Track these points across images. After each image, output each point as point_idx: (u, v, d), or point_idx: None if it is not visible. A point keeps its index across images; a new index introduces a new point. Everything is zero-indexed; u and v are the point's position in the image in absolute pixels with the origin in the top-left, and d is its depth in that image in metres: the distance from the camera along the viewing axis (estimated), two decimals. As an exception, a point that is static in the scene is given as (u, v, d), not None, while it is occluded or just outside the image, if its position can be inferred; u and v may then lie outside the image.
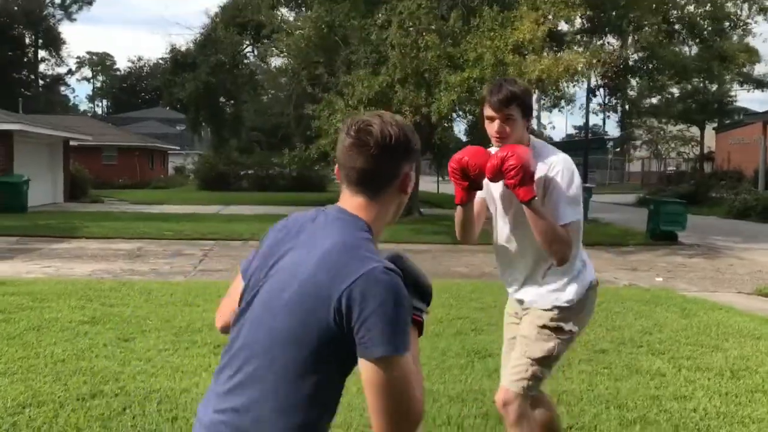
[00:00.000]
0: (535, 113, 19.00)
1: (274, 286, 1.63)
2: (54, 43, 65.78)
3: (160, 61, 42.65)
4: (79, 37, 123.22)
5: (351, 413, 4.01)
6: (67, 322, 6.31)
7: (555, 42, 15.21)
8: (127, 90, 68.29)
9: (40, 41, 64.79)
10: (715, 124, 42.45)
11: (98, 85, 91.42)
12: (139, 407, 4.21)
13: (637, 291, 9.45)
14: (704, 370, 5.43)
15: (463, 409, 4.40)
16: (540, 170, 2.72)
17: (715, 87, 37.42)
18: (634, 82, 19.99)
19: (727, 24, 18.82)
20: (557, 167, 2.75)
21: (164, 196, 29.98)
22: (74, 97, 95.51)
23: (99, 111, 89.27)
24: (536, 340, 2.84)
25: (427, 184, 34.15)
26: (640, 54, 18.37)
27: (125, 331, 6.09)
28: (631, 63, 18.80)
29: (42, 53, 66.26)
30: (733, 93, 42.04)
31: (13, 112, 38.01)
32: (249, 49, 25.43)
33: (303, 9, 21.35)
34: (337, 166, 1.75)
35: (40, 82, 67.91)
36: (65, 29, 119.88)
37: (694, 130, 43.66)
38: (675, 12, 18.58)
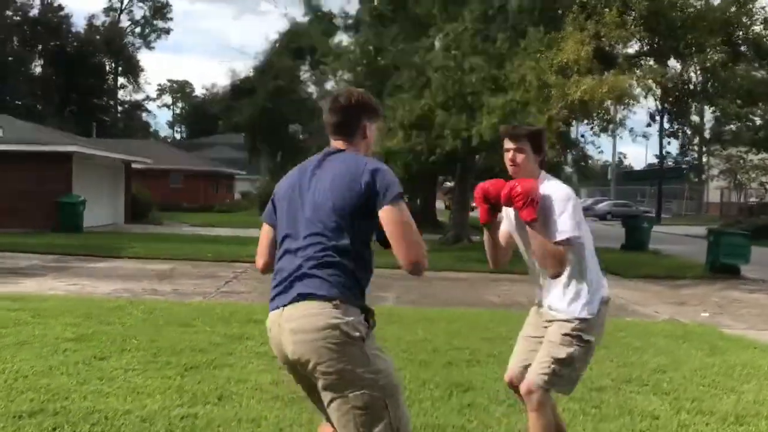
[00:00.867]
0: (581, 141, 18.18)
1: (317, 195, 2.54)
2: (133, 70, 68.56)
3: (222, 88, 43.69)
4: (160, 65, 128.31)
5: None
6: (52, 339, 6.26)
7: (606, 64, 14.61)
8: (200, 116, 70.41)
9: (120, 69, 67.64)
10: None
11: (177, 111, 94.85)
12: (70, 427, 4.03)
13: (671, 326, 8.79)
14: (706, 414, 4.88)
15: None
16: (549, 199, 3.29)
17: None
18: (698, 107, 18.96)
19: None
20: (555, 195, 3.30)
21: (223, 220, 30.50)
22: (155, 123, 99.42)
23: (177, 136, 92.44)
24: (560, 344, 3.36)
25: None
26: (702, 78, 17.48)
27: (106, 349, 5.98)
28: (692, 87, 17.93)
29: (121, 80, 69.18)
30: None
31: (87, 136, 39.72)
32: (307, 75, 25.71)
33: (357, 32, 21.38)
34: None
35: (119, 108, 70.78)
36: (145, 57, 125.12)
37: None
38: (740, 33, 17.64)
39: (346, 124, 2.62)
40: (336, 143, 2.63)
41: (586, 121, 14.88)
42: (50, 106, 61.00)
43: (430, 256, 2.55)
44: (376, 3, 18.81)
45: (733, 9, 16.32)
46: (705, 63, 15.74)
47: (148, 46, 71.48)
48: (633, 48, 17.45)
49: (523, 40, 14.95)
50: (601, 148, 70.23)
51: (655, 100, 18.70)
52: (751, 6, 16.44)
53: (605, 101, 13.45)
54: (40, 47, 62.34)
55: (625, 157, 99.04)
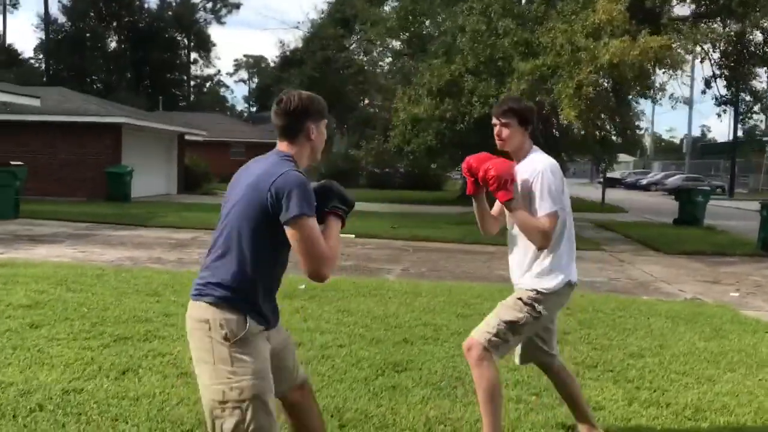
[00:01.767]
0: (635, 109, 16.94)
1: (233, 196, 2.59)
2: (204, 45, 69.66)
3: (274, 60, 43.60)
4: (236, 40, 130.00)
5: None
6: (3, 305, 6.17)
7: (650, 24, 13.55)
8: (266, 89, 71.22)
9: (192, 44, 68.82)
10: None
11: (253, 86, 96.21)
12: (-60, 398, 3.85)
13: (683, 306, 8.04)
14: (661, 406, 4.32)
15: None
16: (528, 173, 3.38)
17: None
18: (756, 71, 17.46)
19: None
20: (538, 170, 3.35)
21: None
22: (232, 98, 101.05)
23: (254, 110, 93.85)
24: (511, 307, 3.42)
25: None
26: (763, 38, 16.08)
27: (47, 318, 5.84)
28: (752, 49, 16.54)
29: (193, 55, 70.41)
30: None
31: (154, 110, 40.61)
32: (354, 44, 25.23)
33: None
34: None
35: (191, 82, 72.17)
36: (220, 32, 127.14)
37: None
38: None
39: (288, 127, 2.63)
40: (281, 145, 2.65)
41: (623, 86, 13.83)
42: (124, 80, 62.82)
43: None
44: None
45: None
46: (763, 22, 14.43)
47: (219, 21, 72.33)
48: (679, 8, 16.26)
49: (561, 1, 14.10)
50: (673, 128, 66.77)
51: (712, 64, 17.44)
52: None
53: (646, 64, 12.48)
54: (115, 23, 64.04)
55: (709, 130, 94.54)
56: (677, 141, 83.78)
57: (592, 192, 37.82)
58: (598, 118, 13.65)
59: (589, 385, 4.69)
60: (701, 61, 14.75)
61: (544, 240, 3.33)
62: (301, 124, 2.64)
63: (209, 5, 70.37)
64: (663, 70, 13.41)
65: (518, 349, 3.69)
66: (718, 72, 17.47)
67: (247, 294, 2.51)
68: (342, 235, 2.69)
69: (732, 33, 15.77)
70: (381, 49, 21.17)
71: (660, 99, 16.49)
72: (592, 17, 12.48)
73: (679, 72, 14.14)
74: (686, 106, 45.20)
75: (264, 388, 2.49)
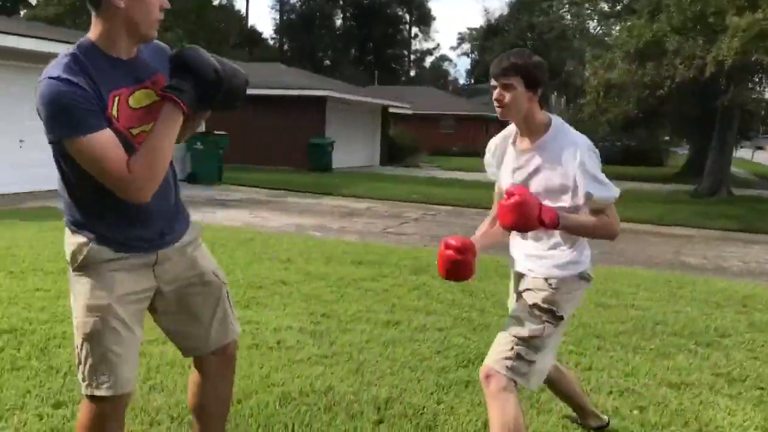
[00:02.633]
0: None
1: None
2: (425, 20, 70.55)
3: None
4: (455, 14, 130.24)
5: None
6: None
7: None
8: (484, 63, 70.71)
9: (413, 18, 70.00)
10: None
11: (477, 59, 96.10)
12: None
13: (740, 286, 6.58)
14: (634, 376, 3.40)
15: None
16: (559, 153, 2.57)
17: None
18: None
19: None
20: (579, 155, 2.54)
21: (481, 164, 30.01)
22: (455, 71, 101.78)
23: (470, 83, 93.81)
24: (524, 319, 2.66)
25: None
26: None
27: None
28: None
29: (414, 30, 71.64)
30: None
31: (371, 84, 41.87)
32: (560, 7, 23.71)
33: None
34: None
35: (411, 57, 73.58)
36: (438, 6, 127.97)
37: None
38: None
39: None
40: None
41: None
42: (348, 57, 65.73)
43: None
44: None
45: None
46: None
47: (440, -6, 72.75)
48: None
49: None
50: None
51: None
52: None
53: None
54: (341, 1, 67.03)
55: None
56: None
57: None
58: None
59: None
60: None
61: (611, 231, 2.63)
62: None
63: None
64: None
65: None
66: None
67: (83, 213, 2.13)
68: None
69: None
70: (589, 11, 19.58)
71: None
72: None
73: None
74: None
75: (98, 329, 2.11)
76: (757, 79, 15.93)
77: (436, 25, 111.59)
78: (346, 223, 11.09)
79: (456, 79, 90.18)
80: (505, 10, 24.61)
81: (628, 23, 13.73)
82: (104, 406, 2.17)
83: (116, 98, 1.99)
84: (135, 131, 2.02)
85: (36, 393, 3.41)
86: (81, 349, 2.15)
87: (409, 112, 32.59)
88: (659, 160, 34.60)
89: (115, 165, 1.92)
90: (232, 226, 9.81)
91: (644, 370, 4.18)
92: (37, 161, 8.21)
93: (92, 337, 2.12)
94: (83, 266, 2.13)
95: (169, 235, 2.22)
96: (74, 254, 2.14)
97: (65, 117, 1.88)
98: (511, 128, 2.76)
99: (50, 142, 1.97)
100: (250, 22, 71.06)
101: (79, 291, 2.15)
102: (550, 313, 2.65)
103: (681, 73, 12.31)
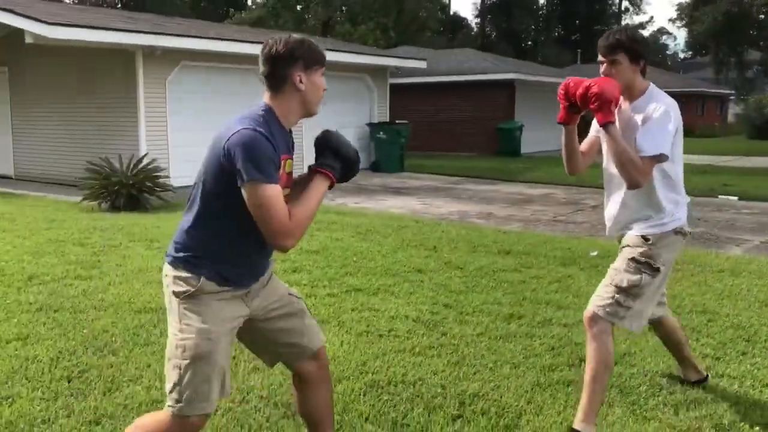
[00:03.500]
0: None
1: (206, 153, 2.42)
2: (635, -8, 66.24)
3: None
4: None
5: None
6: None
7: None
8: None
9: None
10: None
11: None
12: None
13: None
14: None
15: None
16: (644, 110, 3.06)
17: None
18: None
19: None
20: (658, 110, 3.01)
21: (701, 146, 27.52)
22: (675, 44, 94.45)
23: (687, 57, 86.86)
24: (624, 270, 3.13)
25: None
26: None
27: (316, 262, 6.32)
28: None
29: (625, 3, 67.57)
30: None
31: (573, 64, 40.24)
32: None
33: None
34: None
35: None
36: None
37: None
38: None
39: (270, 75, 2.36)
40: (264, 96, 2.42)
41: None
42: (551, 37, 63.71)
43: None
44: None
45: None
46: None
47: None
48: None
49: None
50: None
51: None
52: None
53: None
54: (544, -21, 64.95)
55: None
56: None
57: None
58: None
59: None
60: None
61: (638, 177, 2.97)
62: (284, 72, 2.34)
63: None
64: None
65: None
66: None
67: (202, 252, 2.38)
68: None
69: None
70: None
71: None
72: None
73: None
74: None
75: (208, 350, 2.33)
76: None
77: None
78: (515, 210, 10.85)
79: (675, 53, 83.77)
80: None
81: None
82: (195, 424, 2.39)
83: (283, 162, 2.35)
84: (284, 192, 2.35)
85: (154, 368, 3.78)
86: (185, 370, 2.34)
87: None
88: None
89: (281, 214, 2.25)
90: (393, 213, 10.02)
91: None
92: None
93: (203, 358, 2.34)
94: (192, 296, 2.37)
95: (262, 274, 2.53)
96: (182, 287, 2.38)
97: (263, 164, 2.21)
98: None
99: (240, 185, 2.24)
100: (453, 9, 71.37)
101: (188, 316, 2.37)
102: (646, 265, 3.11)
103: None
